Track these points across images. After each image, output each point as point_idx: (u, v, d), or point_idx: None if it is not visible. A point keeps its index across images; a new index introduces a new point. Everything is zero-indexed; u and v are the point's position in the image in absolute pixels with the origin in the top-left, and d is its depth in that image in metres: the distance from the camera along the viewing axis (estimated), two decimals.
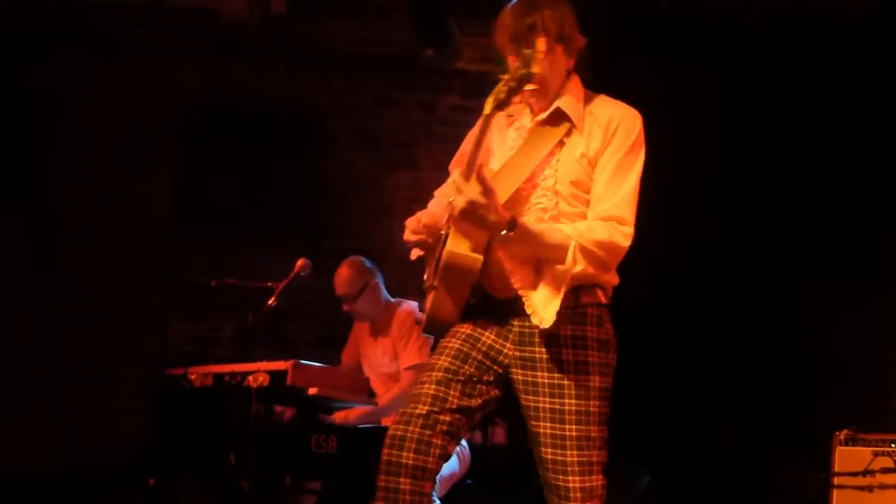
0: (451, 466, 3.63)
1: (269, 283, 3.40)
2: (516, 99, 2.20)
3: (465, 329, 2.35)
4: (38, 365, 4.96)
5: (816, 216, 4.29)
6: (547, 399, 2.28)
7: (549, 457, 2.27)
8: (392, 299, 3.96)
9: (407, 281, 4.15)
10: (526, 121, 2.42)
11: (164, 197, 5.34)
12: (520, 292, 2.27)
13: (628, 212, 2.27)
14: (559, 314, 2.21)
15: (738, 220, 4.57)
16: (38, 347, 4.98)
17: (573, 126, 2.30)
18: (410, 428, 2.21)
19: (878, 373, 4.02)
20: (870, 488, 3.37)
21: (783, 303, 4.35)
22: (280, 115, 5.50)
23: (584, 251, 2.20)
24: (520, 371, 2.32)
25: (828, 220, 4.24)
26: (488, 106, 2.20)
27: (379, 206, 5.51)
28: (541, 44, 2.13)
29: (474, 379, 2.29)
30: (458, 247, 2.25)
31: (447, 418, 2.23)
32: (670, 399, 4.52)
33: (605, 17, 4.19)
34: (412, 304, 3.90)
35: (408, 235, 2.51)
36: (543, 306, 2.23)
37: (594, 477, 2.26)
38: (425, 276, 2.56)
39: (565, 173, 2.28)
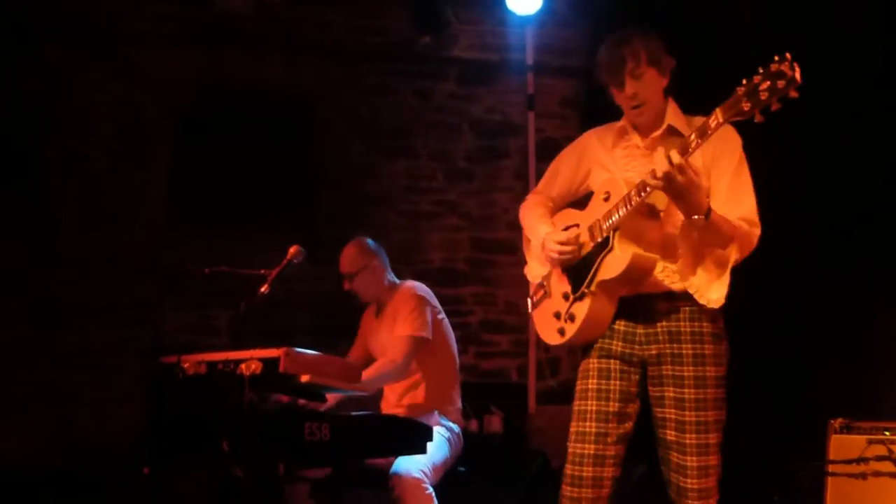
0: (442, 453, 3.63)
1: (263, 271, 3.39)
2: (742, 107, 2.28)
3: (591, 384, 2.67)
4: (35, 355, 4.96)
5: (815, 209, 4.27)
6: (671, 388, 2.59)
7: (671, 439, 2.59)
8: (397, 281, 3.97)
9: (402, 269, 4.15)
10: (637, 140, 2.68)
11: (160, 186, 5.33)
12: (682, 280, 2.57)
13: (757, 216, 2.59)
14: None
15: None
16: (35, 337, 4.98)
17: (688, 142, 2.50)
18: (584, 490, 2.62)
19: (872, 361, 4.01)
20: (864, 476, 3.38)
21: (778, 292, 4.34)
22: (276, 103, 5.49)
23: (739, 242, 2.53)
24: (647, 367, 2.65)
25: (827, 213, 4.22)
26: (731, 112, 2.30)
27: (375, 194, 5.51)
28: (787, 55, 2.23)
29: (621, 410, 2.64)
30: (635, 248, 2.54)
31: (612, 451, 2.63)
32: None
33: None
34: (415, 283, 3.91)
35: (562, 248, 2.70)
36: (707, 288, 2.56)
37: (711, 457, 2.59)
38: (546, 288, 2.80)
39: None
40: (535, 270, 2.89)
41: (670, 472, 2.62)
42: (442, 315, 3.87)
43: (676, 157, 2.37)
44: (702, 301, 2.57)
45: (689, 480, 2.58)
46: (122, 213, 5.23)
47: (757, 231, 2.58)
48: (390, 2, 5.46)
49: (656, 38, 2.67)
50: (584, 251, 2.66)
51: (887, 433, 3.41)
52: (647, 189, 2.46)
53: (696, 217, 2.43)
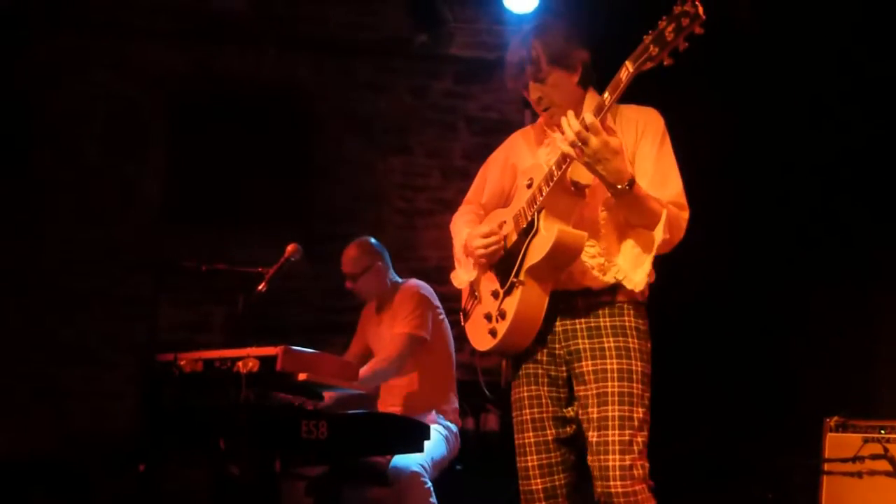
0: (440, 450, 3.63)
1: (260, 269, 3.38)
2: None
3: (523, 392, 2.54)
4: (29, 349, 4.94)
5: (809, 208, 4.29)
6: (593, 385, 2.41)
7: (594, 439, 2.38)
8: (399, 279, 3.97)
9: (399, 267, 4.14)
10: (558, 136, 2.48)
11: (154, 181, 5.32)
12: (607, 259, 2.42)
13: (684, 199, 2.43)
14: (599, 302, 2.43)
15: (730, 213, 4.57)
16: (29, 332, 4.96)
17: (602, 101, 2.38)
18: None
19: (867, 360, 4.03)
20: (859, 474, 3.38)
21: (773, 290, 4.35)
22: (271, 99, 5.47)
23: (667, 222, 2.35)
24: (570, 365, 2.47)
25: (820, 212, 4.24)
26: (640, 60, 2.19)
27: (371, 191, 5.50)
28: None
29: (558, 437, 2.50)
30: (561, 224, 2.37)
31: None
32: (659, 386, 4.51)
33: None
34: (419, 282, 3.91)
35: (486, 241, 2.53)
36: (632, 271, 2.40)
37: (636, 457, 2.34)
38: (474, 292, 2.65)
39: None
40: (460, 276, 2.71)
41: (594, 482, 2.39)
42: (443, 316, 3.87)
43: (589, 117, 2.23)
44: (629, 286, 2.41)
45: (611, 483, 2.33)
46: (117, 207, 5.21)
47: (685, 214, 2.42)
48: None
49: (560, 32, 2.49)
50: (510, 242, 2.50)
51: (882, 432, 3.42)
52: (567, 160, 2.31)
53: (619, 187, 2.27)
